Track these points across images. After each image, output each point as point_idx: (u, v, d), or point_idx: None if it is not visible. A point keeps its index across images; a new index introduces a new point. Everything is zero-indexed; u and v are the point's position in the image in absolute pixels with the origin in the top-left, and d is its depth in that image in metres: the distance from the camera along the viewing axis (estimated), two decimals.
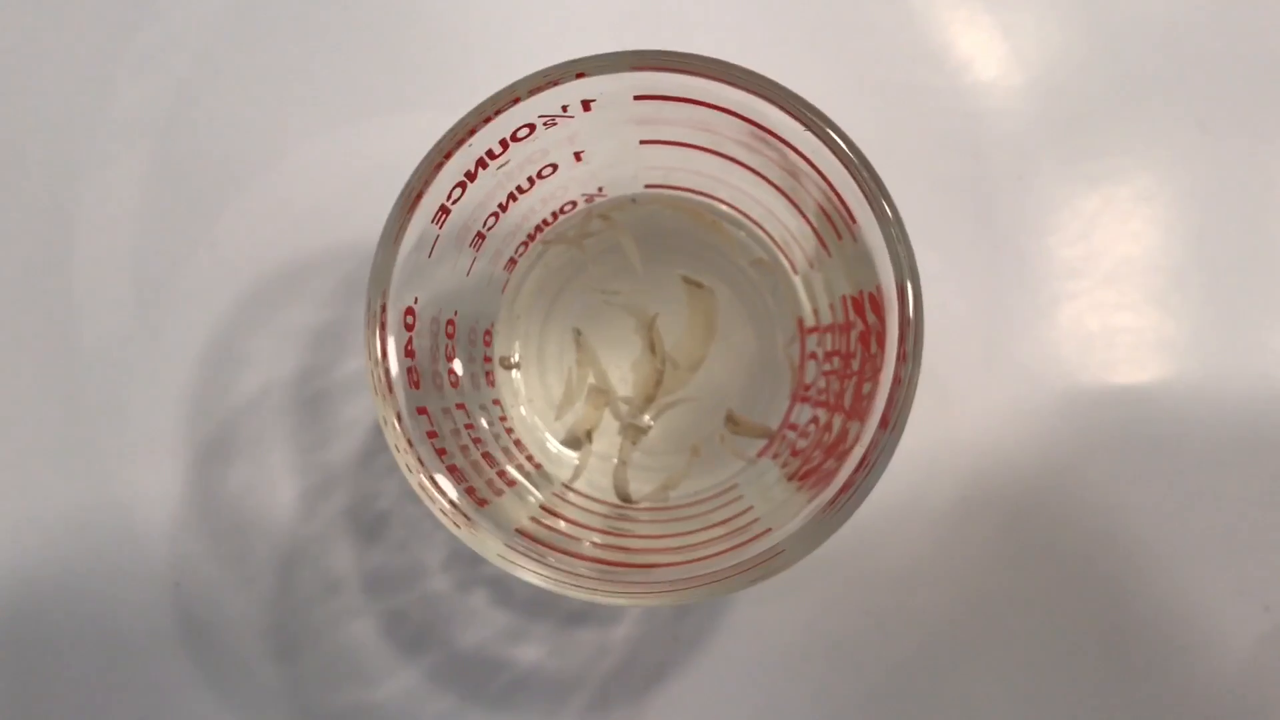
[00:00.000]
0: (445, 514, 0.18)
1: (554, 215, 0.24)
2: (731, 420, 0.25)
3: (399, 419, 0.18)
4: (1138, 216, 0.29)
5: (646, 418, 0.25)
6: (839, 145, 0.18)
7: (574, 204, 0.24)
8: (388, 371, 0.19)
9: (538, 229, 0.24)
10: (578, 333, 0.25)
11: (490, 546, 0.18)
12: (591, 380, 0.25)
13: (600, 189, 0.24)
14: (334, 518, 0.28)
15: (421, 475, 0.18)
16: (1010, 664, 0.28)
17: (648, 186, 0.24)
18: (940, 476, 0.28)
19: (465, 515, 0.19)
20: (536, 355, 0.26)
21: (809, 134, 0.18)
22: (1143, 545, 0.28)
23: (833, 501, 0.18)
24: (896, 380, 0.18)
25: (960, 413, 0.28)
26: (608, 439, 0.25)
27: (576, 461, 0.25)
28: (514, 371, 0.25)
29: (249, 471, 0.29)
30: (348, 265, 0.29)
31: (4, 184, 0.30)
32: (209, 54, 0.30)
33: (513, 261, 0.24)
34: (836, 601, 0.28)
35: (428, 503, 0.18)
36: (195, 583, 0.28)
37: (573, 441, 0.25)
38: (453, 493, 0.19)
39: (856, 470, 0.18)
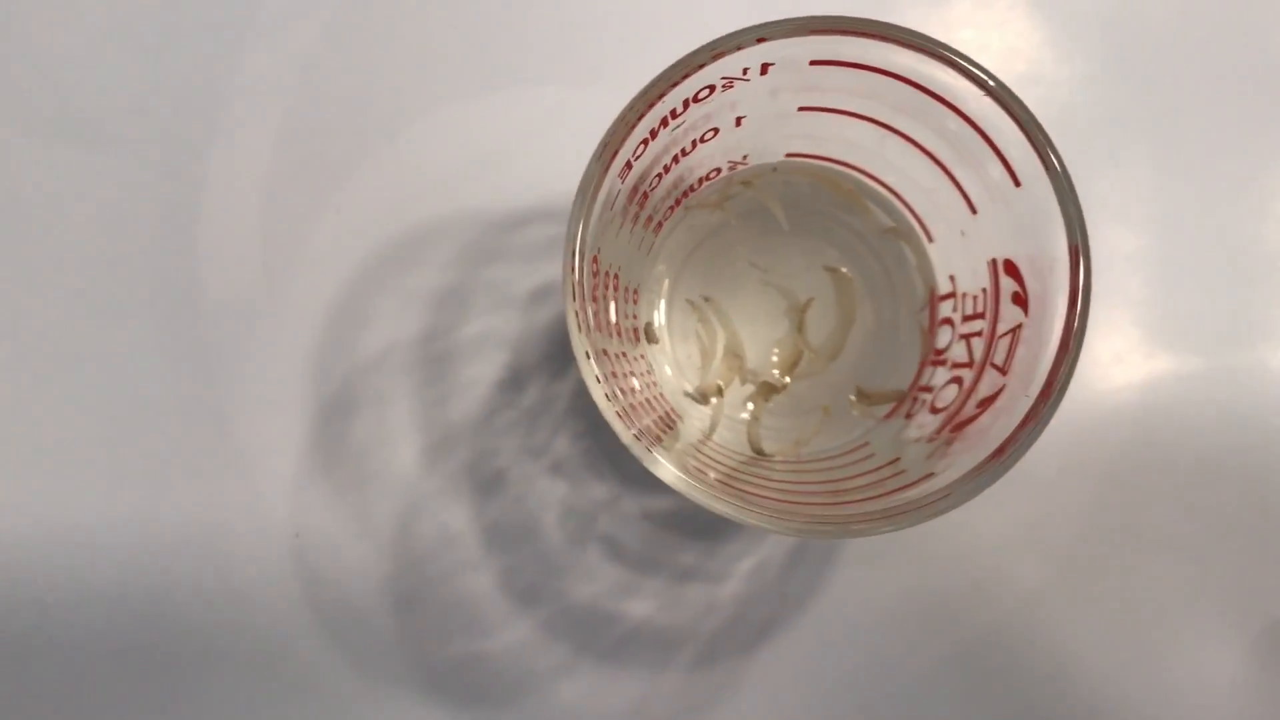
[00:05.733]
0: (638, 439, 0.19)
1: (700, 181, 0.25)
2: (862, 394, 0.26)
3: (593, 357, 0.20)
4: (1148, 215, 0.31)
5: (777, 373, 0.26)
6: (1014, 106, 0.19)
7: (718, 170, 0.25)
8: (585, 312, 0.20)
9: (685, 193, 0.25)
10: (705, 299, 0.27)
11: (668, 471, 0.19)
12: (723, 344, 0.26)
13: (745, 157, 0.25)
14: (453, 473, 0.29)
15: (616, 406, 0.19)
16: (1099, 628, 0.29)
17: (788, 155, 0.26)
18: (1037, 450, 0.29)
19: (648, 445, 0.20)
20: (667, 319, 0.27)
21: (984, 96, 0.20)
22: (1221, 514, 0.29)
23: (996, 453, 0.20)
24: (1063, 347, 0.20)
25: None
26: (737, 399, 0.26)
27: (711, 415, 0.26)
28: (661, 338, 0.27)
29: (371, 427, 0.30)
30: (469, 233, 0.30)
31: (141, 148, 0.31)
32: (333, 26, 0.31)
33: (659, 225, 0.26)
34: (935, 564, 0.29)
35: (619, 431, 0.19)
36: (314, 533, 0.29)
37: (703, 397, 0.26)
38: (644, 421, 0.20)
39: (1021, 426, 0.20)
